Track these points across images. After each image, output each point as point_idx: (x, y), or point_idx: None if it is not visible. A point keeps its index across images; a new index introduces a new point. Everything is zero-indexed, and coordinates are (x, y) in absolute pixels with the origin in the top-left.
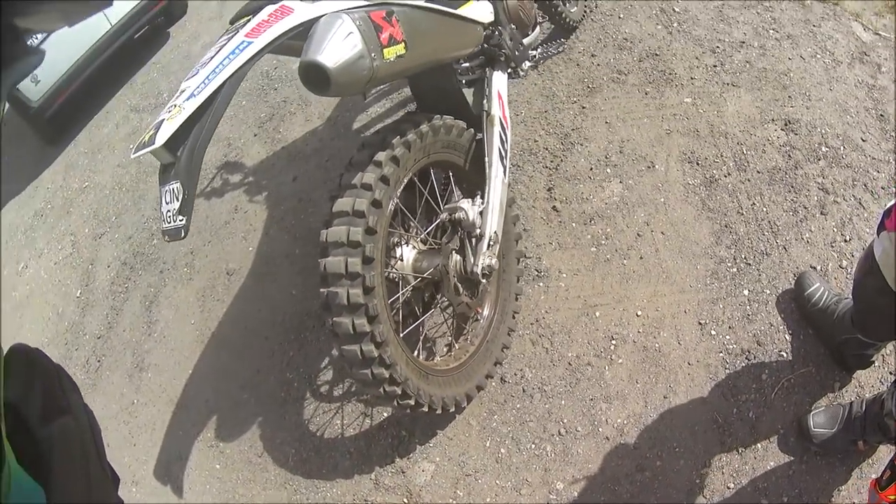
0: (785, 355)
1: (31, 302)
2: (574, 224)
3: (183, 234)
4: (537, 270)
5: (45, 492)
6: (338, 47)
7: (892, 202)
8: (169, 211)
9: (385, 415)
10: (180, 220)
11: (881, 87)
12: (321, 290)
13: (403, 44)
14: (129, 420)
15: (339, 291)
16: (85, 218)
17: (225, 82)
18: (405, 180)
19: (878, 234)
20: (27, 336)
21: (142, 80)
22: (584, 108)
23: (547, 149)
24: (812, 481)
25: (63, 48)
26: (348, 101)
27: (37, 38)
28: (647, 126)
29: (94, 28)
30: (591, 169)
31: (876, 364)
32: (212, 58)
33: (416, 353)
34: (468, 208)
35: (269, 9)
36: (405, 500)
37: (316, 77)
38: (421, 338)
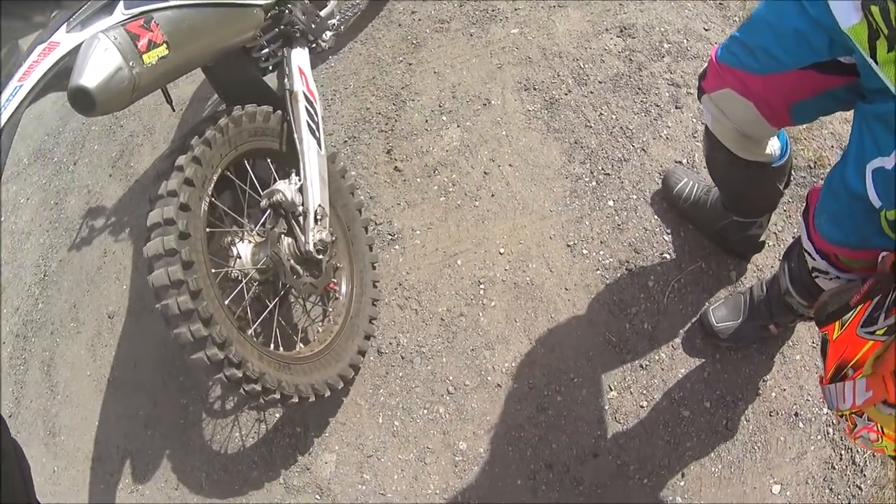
0: (668, 256)
1: None
2: (418, 179)
3: None
4: (390, 234)
5: None
6: (96, 67)
7: (706, 64)
8: None
9: (277, 416)
10: None
11: None
12: (156, 305)
13: (165, 45)
14: (54, 489)
15: (168, 303)
16: None
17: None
18: (214, 178)
19: (700, 99)
20: None
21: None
22: (410, 64)
23: (380, 113)
24: (732, 378)
25: None
26: (188, 120)
27: None
28: (476, 66)
29: None
30: (426, 121)
31: (770, 244)
32: None
33: (272, 345)
34: (285, 188)
35: (40, 48)
36: (317, 497)
37: (82, 100)
38: (274, 328)
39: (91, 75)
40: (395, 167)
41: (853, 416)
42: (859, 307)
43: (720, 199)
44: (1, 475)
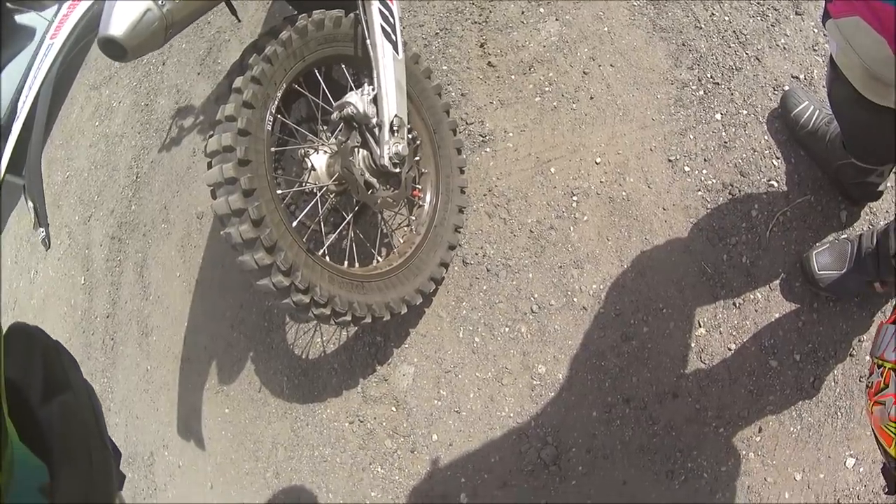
0: (776, 185)
1: (47, 304)
2: (513, 76)
3: (47, 245)
4: (481, 135)
5: (48, 469)
6: (123, 13)
7: None
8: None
9: None
10: (41, 232)
11: None
12: (221, 231)
13: None
14: (147, 387)
15: (231, 231)
16: (73, 206)
17: (39, 92)
18: (279, 94)
19: (825, 24)
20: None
21: (95, 55)
22: None
23: (473, 2)
24: (827, 332)
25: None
26: (276, 10)
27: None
28: None
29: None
30: (523, 13)
31: (890, 189)
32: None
33: (348, 262)
34: (356, 100)
35: (67, 3)
36: (393, 409)
37: (112, 49)
38: (348, 244)
39: (118, 23)
40: (489, 62)
41: (892, 372)
42: None
43: (840, 136)
44: (74, 411)
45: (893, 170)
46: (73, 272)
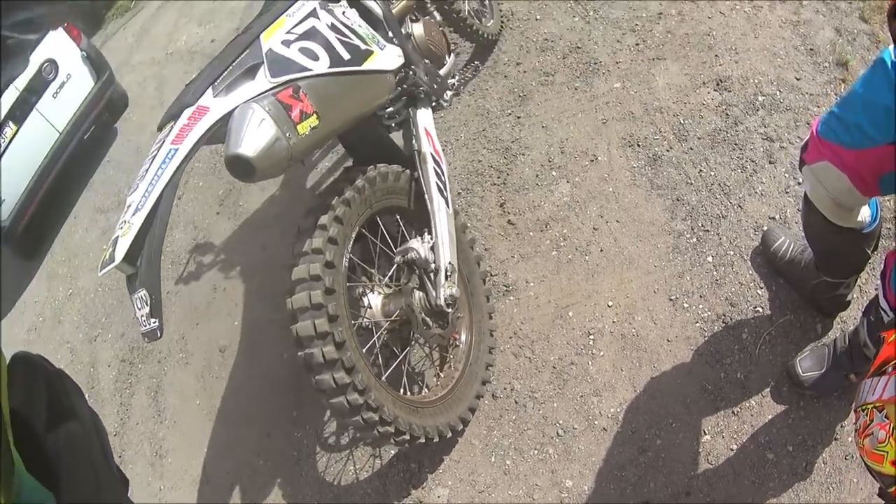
0: (761, 310)
1: None
2: (531, 233)
3: (159, 335)
4: (505, 286)
5: (56, 497)
6: (254, 136)
7: (807, 136)
8: (142, 315)
9: (392, 453)
10: (154, 322)
11: (805, 20)
12: (298, 353)
13: (315, 115)
14: None
15: (314, 352)
16: (77, 324)
17: (162, 192)
18: (353, 235)
19: (801, 170)
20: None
21: (100, 179)
22: (519, 118)
23: (492, 166)
24: (813, 424)
25: (19, 163)
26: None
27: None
28: (582, 121)
29: (45, 137)
30: (538, 175)
31: (855, 297)
32: (147, 170)
33: (402, 390)
34: (418, 246)
35: (188, 112)
36: None
37: (241, 168)
38: (404, 375)
39: (250, 144)
40: (509, 220)
41: (874, 410)
42: None
43: (813, 260)
44: (80, 439)
45: (856, 280)
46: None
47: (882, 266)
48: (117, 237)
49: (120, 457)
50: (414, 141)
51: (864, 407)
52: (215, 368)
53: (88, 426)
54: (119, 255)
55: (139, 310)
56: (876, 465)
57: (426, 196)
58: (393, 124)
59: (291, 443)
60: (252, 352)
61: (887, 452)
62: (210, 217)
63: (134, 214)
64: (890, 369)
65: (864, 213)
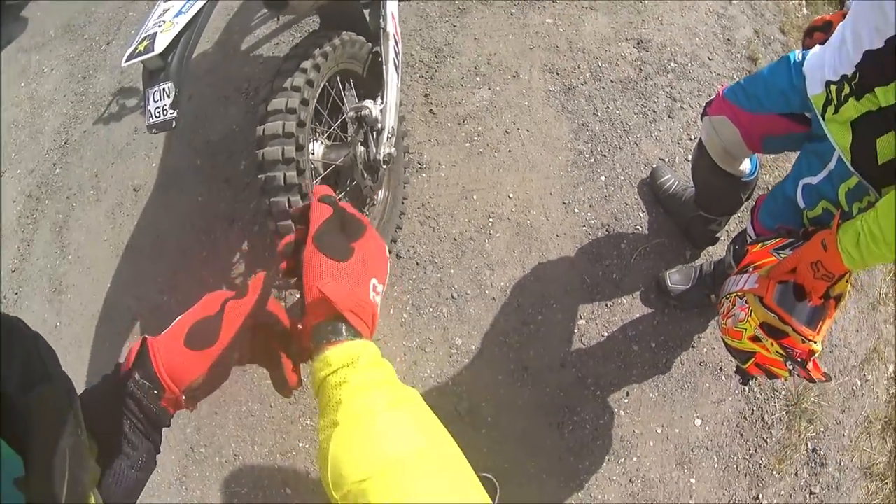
0: (640, 229)
1: None
2: (449, 124)
3: (174, 125)
4: (420, 163)
5: (24, 462)
6: None
7: (713, 96)
8: (158, 108)
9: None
10: (172, 113)
11: (730, 16)
12: (258, 175)
13: None
14: (54, 343)
15: (276, 175)
16: None
17: (206, 2)
18: (322, 84)
19: (702, 119)
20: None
21: (30, 19)
22: (454, 26)
23: (422, 61)
24: (674, 329)
25: None
26: (234, 25)
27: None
28: (512, 42)
29: None
30: (463, 78)
31: (722, 239)
32: None
33: None
34: (372, 107)
35: None
36: None
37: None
38: None
39: None
40: (431, 110)
41: (736, 297)
42: (779, 238)
43: (693, 197)
44: (51, 402)
45: (727, 221)
46: None
47: (754, 203)
48: (156, 33)
49: (17, 294)
50: (381, 20)
51: (727, 296)
52: (127, 206)
53: (60, 390)
54: (159, 47)
55: (155, 102)
56: (735, 341)
57: (384, 67)
58: (363, 2)
59: (197, 280)
60: (167, 193)
61: (745, 329)
62: (138, 64)
63: (177, 16)
64: (751, 269)
65: (746, 165)
